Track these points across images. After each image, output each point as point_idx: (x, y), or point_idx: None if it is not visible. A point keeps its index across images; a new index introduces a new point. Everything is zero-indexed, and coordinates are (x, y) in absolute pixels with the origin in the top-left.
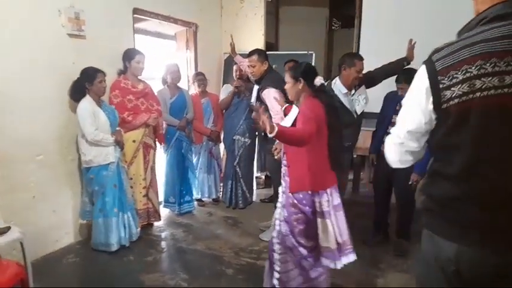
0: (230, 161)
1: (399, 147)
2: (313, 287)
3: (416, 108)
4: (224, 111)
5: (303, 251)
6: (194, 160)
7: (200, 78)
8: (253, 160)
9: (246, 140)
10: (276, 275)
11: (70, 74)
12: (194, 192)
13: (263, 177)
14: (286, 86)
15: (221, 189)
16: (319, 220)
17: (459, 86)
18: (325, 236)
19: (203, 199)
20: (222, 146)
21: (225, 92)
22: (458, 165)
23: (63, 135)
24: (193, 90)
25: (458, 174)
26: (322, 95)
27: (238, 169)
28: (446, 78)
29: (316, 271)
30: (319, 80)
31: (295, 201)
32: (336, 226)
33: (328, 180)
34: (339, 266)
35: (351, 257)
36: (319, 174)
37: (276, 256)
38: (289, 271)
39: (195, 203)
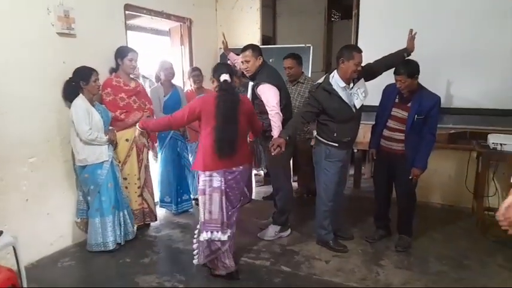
0: None
1: None
2: (215, 258)
3: None
4: None
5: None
6: (190, 159)
7: (196, 74)
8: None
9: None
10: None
11: (61, 73)
12: (192, 191)
13: (263, 174)
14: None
15: None
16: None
17: None
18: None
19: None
20: None
21: None
22: None
23: (56, 136)
24: (189, 86)
25: None
26: (219, 91)
27: None
28: None
29: (215, 244)
30: (222, 77)
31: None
32: (207, 204)
33: (211, 164)
34: (202, 238)
35: (213, 234)
36: (204, 157)
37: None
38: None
39: (193, 202)
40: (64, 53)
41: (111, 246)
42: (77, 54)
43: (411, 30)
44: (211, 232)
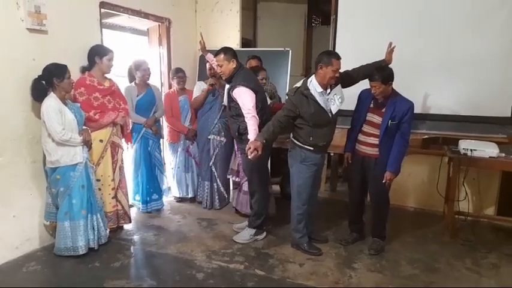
0: (206, 161)
1: None
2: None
3: None
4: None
5: None
6: (172, 159)
7: (180, 75)
8: (229, 159)
9: (222, 138)
10: None
11: (31, 70)
12: (176, 191)
13: None
14: None
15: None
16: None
17: None
18: None
19: (181, 197)
20: None
21: (198, 90)
22: None
23: (23, 136)
24: (171, 87)
25: None
26: None
27: (214, 169)
28: None
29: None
30: None
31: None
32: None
33: None
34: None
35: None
36: None
37: None
38: None
39: (166, 199)
40: (34, 50)
41: (80, 251)
42: (48, 51)
43: (390, 44)
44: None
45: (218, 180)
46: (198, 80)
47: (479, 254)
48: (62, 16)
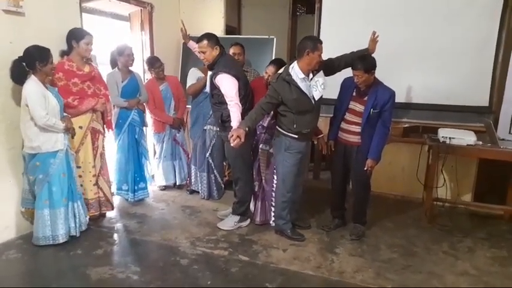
0: (202, 152)
1: None
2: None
3: None
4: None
5: None
6: (158, 148)
7: (158, 65)
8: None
9: (218, 129)
10: None
11: (7, 54)
12: (160, 179)
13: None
14: None
15: (188, 179)
16: None
17: None
18: None
19: (166, 185)
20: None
21: (193, 77)
22: None
23: (1, 122)
24: (149, 75)
25: None
26: None
27: (211, 160)
28: None
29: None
30: None
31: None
32: None
33: None
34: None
35: None
36: None
37: None
38: None
39: (152, 188)
40: (11, 33)
41: (61, 239)
42: (25, 34)
43: (374, 33)
44: None
45: (215, 171)
46: (181, 66)
47: (456, 238)
48: None
